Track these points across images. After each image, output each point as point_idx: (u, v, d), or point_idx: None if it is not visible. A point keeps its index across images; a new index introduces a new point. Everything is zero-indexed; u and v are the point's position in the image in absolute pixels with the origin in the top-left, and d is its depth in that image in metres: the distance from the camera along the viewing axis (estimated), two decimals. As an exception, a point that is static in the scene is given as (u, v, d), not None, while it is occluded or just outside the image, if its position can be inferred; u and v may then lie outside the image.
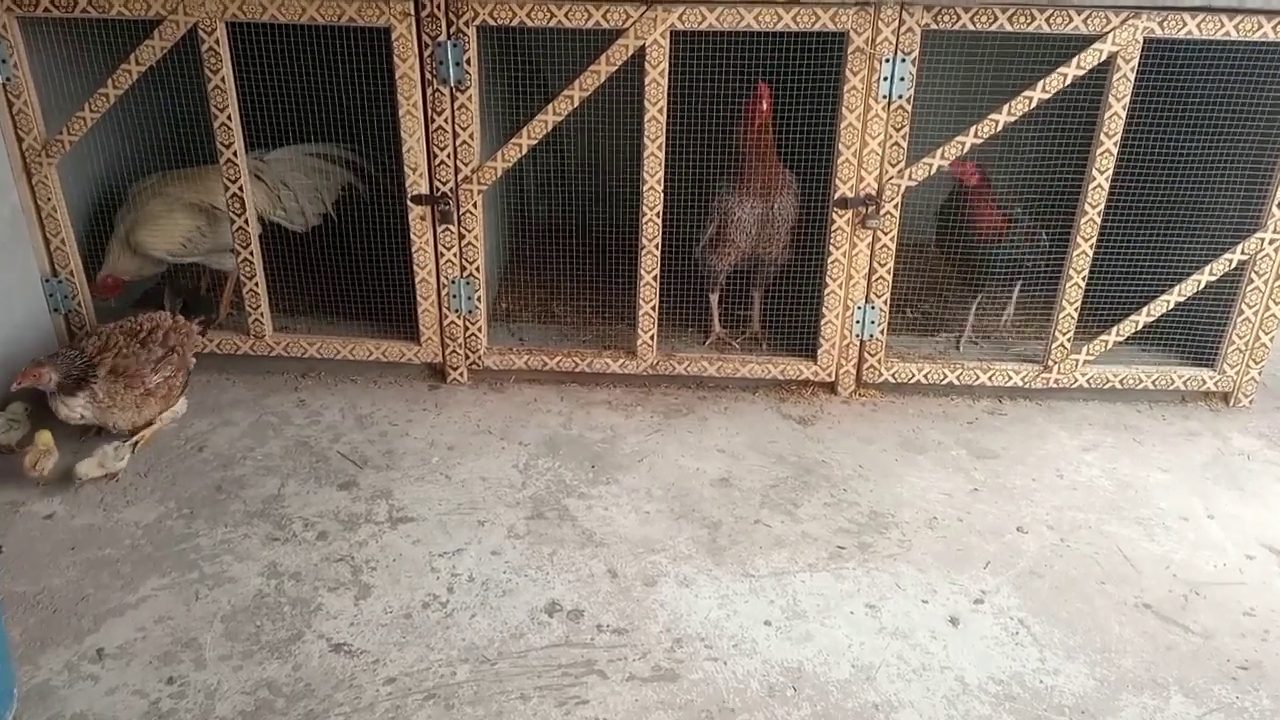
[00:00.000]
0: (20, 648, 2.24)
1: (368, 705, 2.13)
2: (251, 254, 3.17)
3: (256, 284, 3.21)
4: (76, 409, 2.79)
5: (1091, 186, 3.00)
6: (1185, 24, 2.80)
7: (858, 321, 3.21)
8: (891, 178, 3.01)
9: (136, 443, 2.92)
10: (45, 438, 2.78)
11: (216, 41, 2.86)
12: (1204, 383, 3.29)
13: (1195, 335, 3.29)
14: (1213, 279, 3.15)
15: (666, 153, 2.98)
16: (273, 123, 3.18)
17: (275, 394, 3.27)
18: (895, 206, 3.04)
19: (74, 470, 2.72)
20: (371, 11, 2.83)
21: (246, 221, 3.12)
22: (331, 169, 3.53)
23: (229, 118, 2.96)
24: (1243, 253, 3.10)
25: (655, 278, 3.16)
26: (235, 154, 3.02)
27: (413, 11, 2.82)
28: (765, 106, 3.07)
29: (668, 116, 2.94)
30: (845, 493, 2.85)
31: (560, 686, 2.18)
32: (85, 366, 2.81)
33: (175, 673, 2.20)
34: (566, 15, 2.82)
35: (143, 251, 3.24)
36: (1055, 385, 3.29)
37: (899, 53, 2.86)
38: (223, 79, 2.91)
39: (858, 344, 3.25)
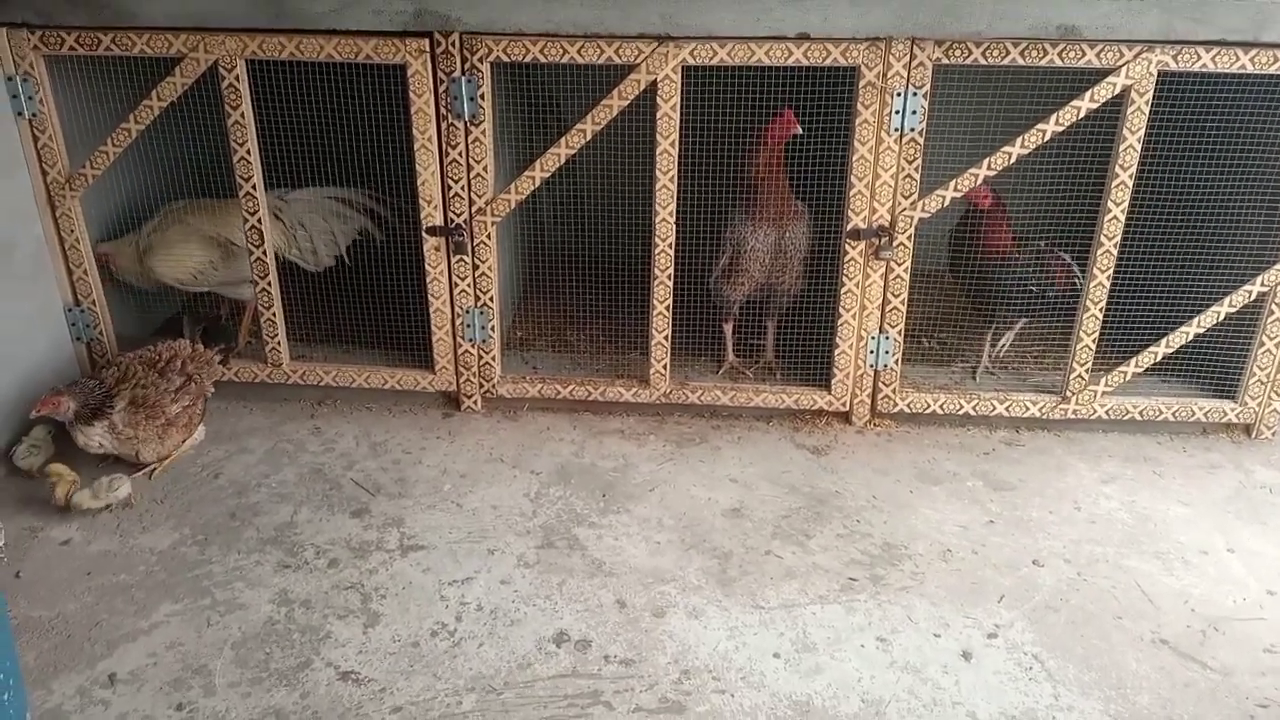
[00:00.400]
0: (34, 672, 2.27)
1: (373, 734, 2.13)
2: (270, 284, 3.21)
3: (274, 313, 3.26)
4: (94, 438, 2.84)
5: (1107, 218, 2.99)
6: (1199, 57, 2.79)
7: (872, 351, 3.20)
8: (904, 209, 3.01)
9: (153, 470, 2.96)
10: (57, 469, 2.82)
11: (236, 78, 2.93)
12: (1225, 414, 3.25)
13: (1216, 367, 3.25)
14: (1232, 310, 3.12)
15: (679, 184, 3.01)
16: (291, 161, 3.23)
17: (291, 421, 3.30)
18: (908, 238, 3.04)
19: (72, 501, 2.76)
20: (388, 49, 2.88)
21: (265, 252, 3.16)
22: (349, 214, 3.59)
23: (248, 152, 3.02)
24: (1262, 284, 3.07)
25: (668, 308, 3.17)
26: (254, 187, 3.07)
27: (428, 49, 2.87)
28: (795, 130, 3.05)
29: (680, 149, 2.96)
30: (858, 524, 2.83)
31: (566, 717, 2.17)
32: (103, 397, 2.85)
33: (185, 699, 2.21)
34: (579, 51, 2.86)
35: (153, 277, 3.31)
36: (1074, 416, 3.26)
37: (910, 86, 2.87)
38: (242, 114, 2.97)
39: (872, 374, 3.24)
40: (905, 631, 2.43)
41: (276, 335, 3.29)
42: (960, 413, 3.28)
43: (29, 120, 3.01)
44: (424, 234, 3.10)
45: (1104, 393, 3.23)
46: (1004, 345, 3.46)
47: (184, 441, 3.01)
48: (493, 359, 3.29)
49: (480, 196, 3.06)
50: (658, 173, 2.98)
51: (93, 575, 2.59)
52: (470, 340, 3.26)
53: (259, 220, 3.12)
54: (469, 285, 3.18)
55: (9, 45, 2.92)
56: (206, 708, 2.19)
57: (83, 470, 2.88)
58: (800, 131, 3.07)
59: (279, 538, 2.73)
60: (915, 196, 3.00)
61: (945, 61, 2.82)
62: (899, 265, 3.08)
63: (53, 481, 2.78)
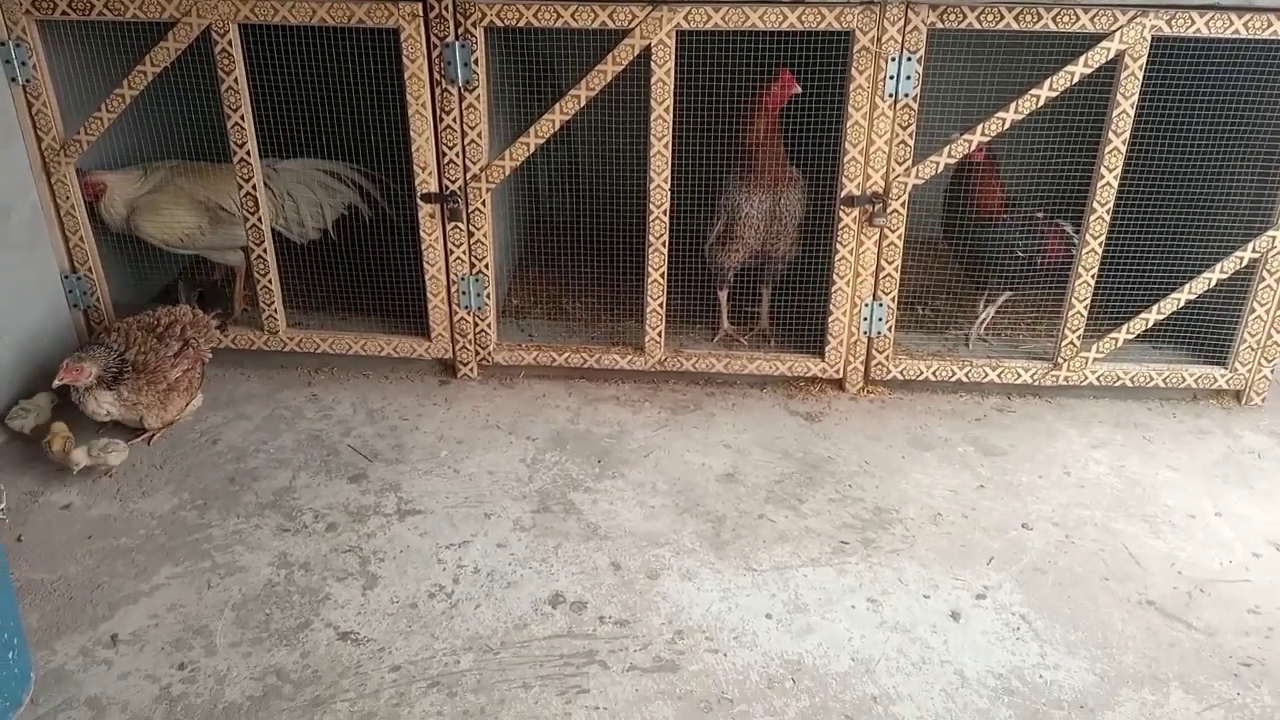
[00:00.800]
0: (37, 633, 2.30)
1: (373, 692, 2.16)
2: (265, 251, 3.22)
3: (270, 280, 3.26)
4: (105, 405, 2.85)
5: (1100, 184, 3.00)
6: (1193, 22, 2.79)
7: (865, 319, 3.22)
8: (898, 176, 3.02)
9: (151, 436, 2.98)
10: (57, 425, 2.83)
11: (229, 43, 2.91)
12: (1215, 381, 3.27)
13: (1207, 333, 3.27)
14: (1224, 277, 3.14)
15: (673, 151, 3.01)
16: (284, 128, 3.22)
17: (288, 388, 3.32)
18: (902, 204, 3.05)
19: (71, 457, 2.77)
20: (381, 13, 2.87)
21: (260, 219, 3.17)
22: (338, 188, 3.57)
23: (242, 118, 3.02)
24: (1254, 250, 3.08)
25: (663, 275, 3.18)
26: (248, 153, 3.07)
27: (421, 13, 2.86)
28: (794, 90, 3.05)
29: (674, 115, 2.96)
30: (850, 489, 2.87)
31: (561, 676, 2.21)
32: (120, 363, 2.86)
33: (186, 658, 2.25)
34: (573, 16, 2.85)
35: (140, 235, 3.30)
36: (1065, 383, 3.28)
37: (905, 51, 2.86)
38: (236, 80, 2.96)
39: (865, 341, 3.26)
40: (895, 593, 2.47)
41: (273, 303, 3.30)
42: (953, 379, 3.31)
43: (23, 86, 3.00)
44: (419, 201, 3.11)
45: (1095, 359, 3.25)
46: (984, 320, 3.43)
47: (186, 406, 3.03)
48: (488, 326, 3.31)
49: (475, 163, 3.06)
50: (652, 139, 2.98)
51: (93, 539, 2.62)
52: (466, 307, 3.27)
53: (254, 187, 3.12)
54: (464, 252, 3.19)
55: (1, 10, 2.91)
56: (208, 666, 2.23)
57: (85, 436, 2.89)
58: (799, 90, 3.06)
59: (277, 502, 2.76)
60: (909, 163, 3.00)
61: (940, 26, 2.82)
62: (893, 232, 3.09)
63: (48, 439, 2.79)
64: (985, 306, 3.43)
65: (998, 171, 3.27)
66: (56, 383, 2.80)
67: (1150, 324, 3.21)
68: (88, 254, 3.26)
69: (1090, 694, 2.19)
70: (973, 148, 3.00)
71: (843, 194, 3.05)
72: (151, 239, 3.31)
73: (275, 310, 3.31)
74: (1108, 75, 2.88)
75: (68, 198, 3.15)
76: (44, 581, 2.47)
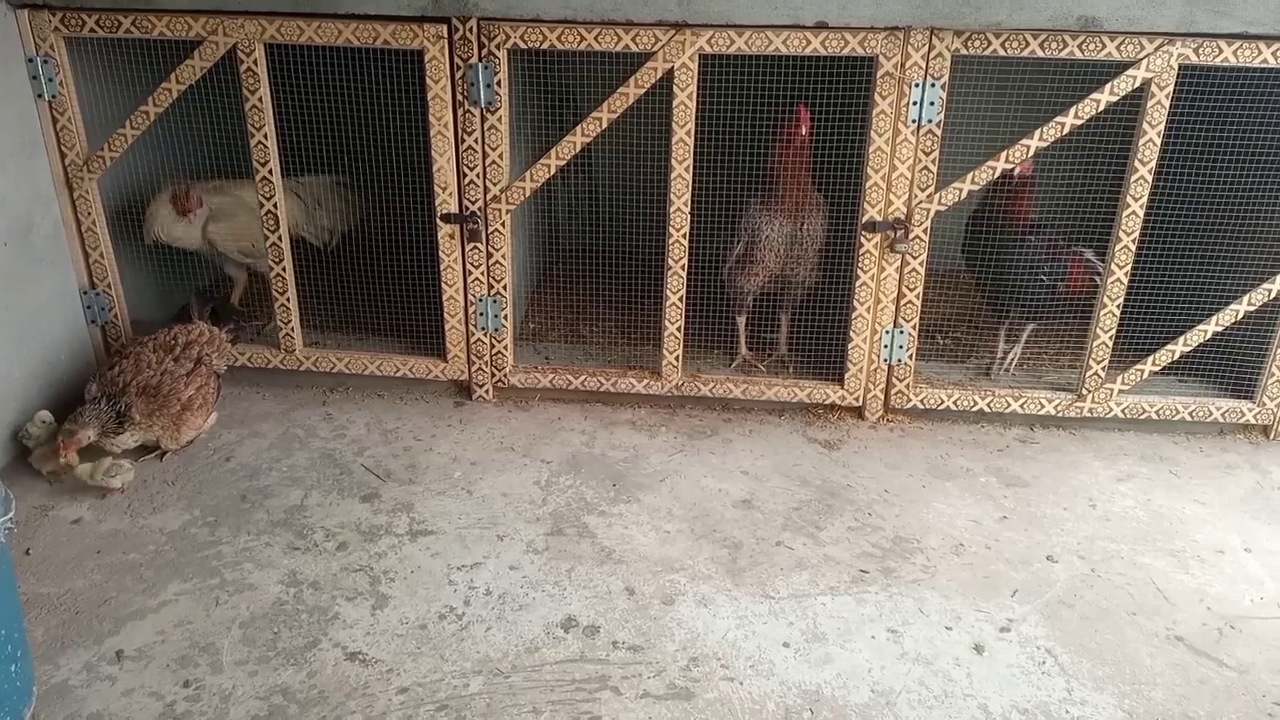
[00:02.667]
0: (42, 647, 2.27)
1: (380, 714, 2.11)
2: (284, 270, 3.22)
3: (288, 299, 3.26)
4: (124, 442, 2.84)
5: (1126, 214, 2.97)
6: (1221, 51, 2.77)
7: (886, 346, 3.18)
8: (920, 202, 3.00)
9: (163, 453, 2.96)
10: (67, 428, 2.79)
11: (255, 62, 2.94)
12: (1243, 415, 3.21)
13: (1234, 366, 3.22)
14: (1251, 309, 3.09)
15: (694, 175, 3.00)
16: (306, 147, 3.24)
17: (303, 407, 3.30)
18: (924, 231, 3.03)
19: (77, 469, 2.75)
20: (406, 35, 2.89)
21: (280, 237, 3.17)
22: (353, 199, 3.71)
23: (265, 136, 3.03)
24: (1281, 283, 3.04)
25: (681, 299, 3.16)
26: (271, 171, 3.08)
27: (445, 35, 2.88)
28: (805, 130, 3.07)
29: (695, 138, 2.95)
30: (870, 517, 2.81)
31: (573, 702, 2.15)
32: (114, 413, 2.81)
33: (192, 676, 2.21)
34: (596, 39, 2.86)
35: (214, 240, 3.36)
36: (1089, 414, 3.23)
37: (929, 77, 2.85)
38: (260, 98, 2.98)
39: (886, 369, 3.22)
40: (916, 623, 2.41)
41: (290, 322, 3.29)
42: (974, 409, 3.26)
43: (49, 102, 3.02)
44: (439, 221, 3.10)
45: (1120, 391, 3.20)
46: (1014, 358, 3.39)
47: (203, 424, 3.01)
48: (505, 348, 3.29)
49: (495, 184, 3.06)
50: (673, 162, 2.97)
51: (102, 554, 2.59)
52: (483, 329, 3.26)
53: (275, 205, 3.13)
54: (482, 274, 3.18)
55: (30, 27, 2.94)
56: (213, 685, 2.18)
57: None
58: (806, 131, 3.06)
59: (289, 520, 2.73)
60: (932, 189, 2.98)
61: (964, 52, 2.81)
62: (914, 258, 3.06)
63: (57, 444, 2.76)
64: (1009, 341, 3.38)
65: (1034, 192, 3.23)
66: (63, 460, 2.74)
67: (1176, 356, 3.16)
68: (107, 270, 3.26)
69: (1119, 731, 2.12)
70: (996, 175, 2.97)
71: (864, 220, 3.02)
72: (225, 245, 3.37)
73: (292, 329, 3.30)
74: (1134, 103, 2.86)
75: (89, 213, 3.17)
76: (50, 595, 2.44)
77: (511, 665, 2.25)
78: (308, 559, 2.58)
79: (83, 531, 2.68)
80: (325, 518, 2.74)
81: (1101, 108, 2.86)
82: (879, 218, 3.02)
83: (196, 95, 3.07)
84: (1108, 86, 2.83)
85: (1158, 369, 3.18)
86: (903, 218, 3.01)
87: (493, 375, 3.33)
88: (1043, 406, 3.23)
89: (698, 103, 2.92)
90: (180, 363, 2.98)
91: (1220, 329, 3.13)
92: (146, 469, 2.93)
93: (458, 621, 2.38)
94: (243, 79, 2.96)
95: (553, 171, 3.06)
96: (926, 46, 2.82)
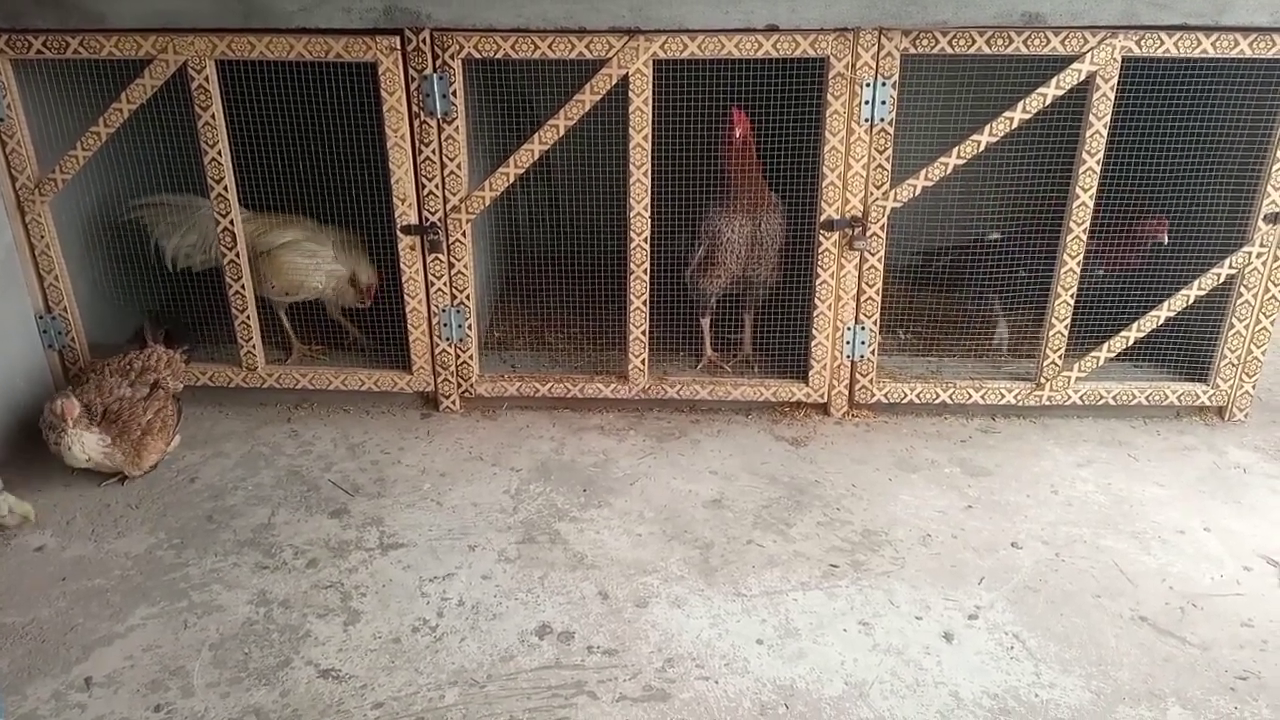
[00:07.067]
0: (8, 678, 2.23)
1: (355, 730, 2.11)
2: (244, 287, 3.19)
3: (249, 317, 3.23)
4: (89, 449, 2.79)
5: (1076, 204, 3.02)
6: (1162, 42, 2.83)
7: (848, 342, 3.22)
8: (876, 199, 3.03)
9: (124, 478, 2.92)
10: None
11: (206, 79, 2.91)
12: (1198, 398, 3.28)
13: (1188, 350, 3.29)
14: (1202, 293, 3.16)
15: (653, 179, 3.01)
16: (261, 167, 3.20)
17: (268, 425, 3.27)
18: (881, 228, 3.06)
19: None
20: (358, 47, 2.88)
21: (238, 254, 3.15)
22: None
23: (219, 153, 3.01)
24: (1230, 267, 3.11)
25: (645, 303, 3.18)
26: (225, 189, 3.05)
27: (399, 46, 2.87)
28: (739, 132, 3.11)
29: (654, 143, 2.97)
30: (838, 512, 2.84)
31: (550, 708, 2.16)
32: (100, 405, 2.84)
33: (163, 700, 2.18)
34: (550, 46, 2.87)
35: (268, 276, 3.34)
36: (1048, 402, 3.29)
37: (879, 77, 2.89)
38: (213, 115, 2.96)
39: (849, 365, 3.26)
40: (887, 615, 2.44)
41: (251, 339, 3.26)
42: (937, 402, 3.30)
43: (-4, 125, 2.98)
44: (399, 232, 3.10)
45: (1077, 378, 3.26)
46: (1001, 337, 3.49)
47: (165, 448, 2.97)
48: (470, 358, 3.28)
49: (454, 194, 3.06)
50: (631, 167, 2.99)
51: (67, 580, 2.55)
52: (447, 339, 3.25)
53: (230, 222, 3.10)
54: (445, 284, 3.17)
55: (-26, 50, 2.90)
56: (185, 708, 2.16)
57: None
58: (740, 133, 3.10)
59: (256, 539, 2.71)
60: (887, 186, 3.02)
61: (913, 51, 2.85)
62: (873, 255, 3.10)
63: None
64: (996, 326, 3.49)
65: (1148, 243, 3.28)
66: (60, 416, 2.74)
67: (1131, 342, 3.22)
68: (63, 294, 3.22)
69: (1087, 712, 2.15)
70: (949, 171, 3.02)
71: (822, 218, 3.06)
72: (279, 281, 3.35)
73: (254, 347, 3.28)
74: (1080, 96, 2.91)
75: (42, 236, 3.12)
76: (15, 625, 2.40)
77: (487, 675, 2.25)
78: (277, 577, 2.56)
79: (46, 559, 2.64)
80: (293, 535, 2.72)
81: (1049, 102, 2.91)
82: (837, 216, 3.05)
83: (158, 114, 3.04)
84: (1054, 80, 2.89)
85: (1113, 355, 3.24)
86: (860, 215, 3.05)
87: (459, 385, 3.32)
88: (1003, 396, 3.29)
89: (654, 108, 2.94)
90: (137, 389, 2.95)
91: (1172, 313, 3.19)
92: (109, 493, 2.89)
93: (431, 634, 2.37)
94: (194, 96, 2.94)
95: (512, 180, 3.06)
96: (876, 46, 2.86)
